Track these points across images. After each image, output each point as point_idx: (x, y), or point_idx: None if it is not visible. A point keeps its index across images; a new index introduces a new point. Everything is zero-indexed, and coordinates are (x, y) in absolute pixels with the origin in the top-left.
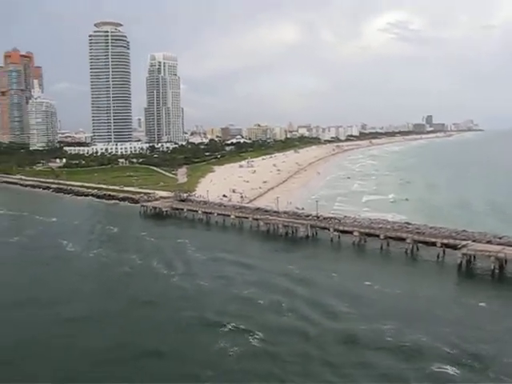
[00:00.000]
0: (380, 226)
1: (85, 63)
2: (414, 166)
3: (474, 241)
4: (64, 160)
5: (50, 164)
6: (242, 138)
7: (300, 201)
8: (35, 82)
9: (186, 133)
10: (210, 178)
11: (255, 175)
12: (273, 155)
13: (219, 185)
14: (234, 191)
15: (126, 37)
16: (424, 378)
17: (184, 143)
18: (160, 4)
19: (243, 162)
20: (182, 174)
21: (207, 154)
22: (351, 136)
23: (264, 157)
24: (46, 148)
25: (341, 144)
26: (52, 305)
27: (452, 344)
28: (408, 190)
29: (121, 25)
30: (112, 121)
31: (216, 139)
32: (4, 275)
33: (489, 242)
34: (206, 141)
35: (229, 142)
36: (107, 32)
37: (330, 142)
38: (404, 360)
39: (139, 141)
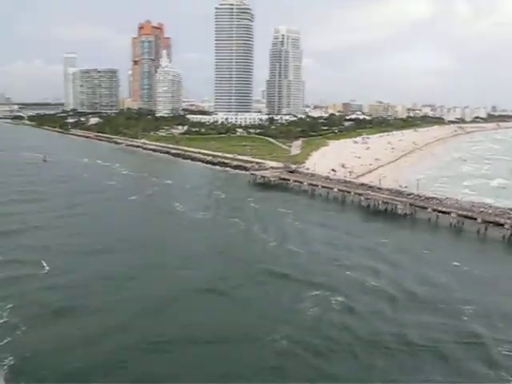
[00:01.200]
0: (481, 209)
1: (212, 35)
2: None
3: None
4: (185, 127)
5: (172, 130)
6: (363, 114)
7: (406, 179)
8: (164, 52)
9: (308, 106)
10: (322, 152)
11: (368, 152)
12: (391, 133)
13: (330, 159)
14: (343, 166)
15: (250, 9)
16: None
17: (303, 116)
18: None
19: (358, 138)
20: (296, 147)
21: (324, 128)
22: (478, 118)
23: (381, 134)
24: (171, 115)
25: (464, 125)
26: (162, 249)
27: None
28: None
29: None
30: (234, 91)
31: (336, 114)
32: (122, 226)
33: None
34: (325, 115)
35: (348, 117)
36: (232, 4)
37: (453, 122)
38: (484, 327)
39: (259, 112)
